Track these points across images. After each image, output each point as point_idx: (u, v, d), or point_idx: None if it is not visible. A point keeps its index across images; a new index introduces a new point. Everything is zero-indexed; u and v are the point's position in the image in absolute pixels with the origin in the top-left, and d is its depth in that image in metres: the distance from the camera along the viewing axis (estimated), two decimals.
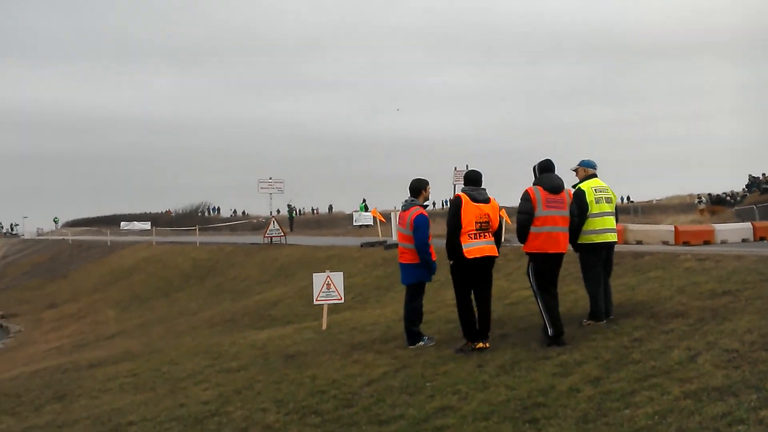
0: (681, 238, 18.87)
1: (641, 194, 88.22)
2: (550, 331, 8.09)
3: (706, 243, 18.96)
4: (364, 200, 49.14)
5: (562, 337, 8.02)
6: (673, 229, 19.62)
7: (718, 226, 20.61)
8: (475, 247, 8.23)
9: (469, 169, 9.00)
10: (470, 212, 8.26)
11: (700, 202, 40.25)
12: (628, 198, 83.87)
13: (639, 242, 18.92)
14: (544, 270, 8.25)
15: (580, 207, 8.60)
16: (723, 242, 19.42)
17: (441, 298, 12.52)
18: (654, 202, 75.10)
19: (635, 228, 20.57)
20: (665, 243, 18.64)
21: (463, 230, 8.24)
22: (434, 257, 9.00)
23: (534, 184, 8.33)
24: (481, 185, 8.53)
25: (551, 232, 8.16)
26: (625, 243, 18.85)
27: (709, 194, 40.21)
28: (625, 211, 62.32)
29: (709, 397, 5.39)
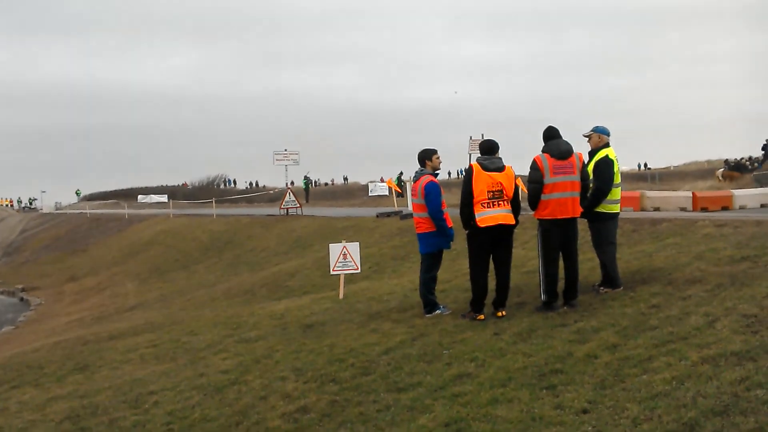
0: (699, 204, 18.71)
1: (658, 161, 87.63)
2: (543, 297, 8.37)
3: (725, 209, 18.79)
4: (401, 172, 48.40)
5: (554, 303, 8.28)
6: (690, 195, 19.45)
7: (736, 192, 20.39)
8: (487, 215, 8.23)
9: (485, 138, 8.96)
10: (482, 181, 8.25)
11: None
12: (645, 165, 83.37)
13: (656, 209, 18.79)
14: (555, 236, 8.30)
15: (608, 176, 8.57)
16: (741, 208, 19.23)
17: (457, 267, 12.53)
18: (671, 168, 74.59)
19: (653, 195, 20.42)
20: (683, 209, 18.50)
21: (475, 199, 8.26)
22: (450, 224, 9.00)
23: (542, 151, 8.33)
24: (496, 154, 8.50)
25: (560, 198, 8.18)
26: (643, 210, 18.74)
27: (726, 160, 39.76)
28: (642, 177, 61.98)
29: (727, 363, 5.39)
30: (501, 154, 8.60)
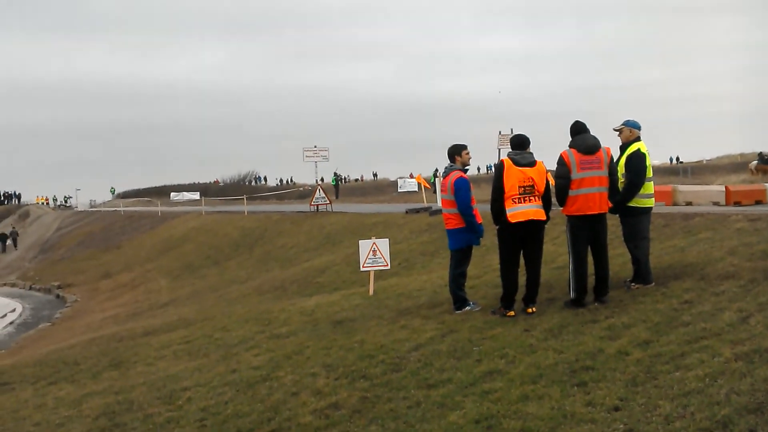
0: (732, 198, 18.46)
1: (690, 155, 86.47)
2: (572, 295, 8.32)
3: (758, 203, 18.51)
4: (436, 169, 47.69)
5: (583, 300, 8.24)
6: (723, 189, 19.19)
7: None
8: (519, 210, 8.21)
9: (515, 133, 8.94)
10: (513, 176, 8.23)
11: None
12: (678, 159, 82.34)
13: (689, 203, 18.58)
14: (583, 232, 8.26)
15: (640, 169, 8.52)
16: None
17: (487, 263, 12.51)
18: (704, 162, 73.60)
19: (685, 189, 20.19)
20: (716, 204, 18.26)
21: (506, 194, 8.23)
22: (480, 220, 8.99)
23: (569, 146, 8.29)
24: (527, 149, 8.47)
25: (588, 193, 8.14)
26: (675, 204, 18.53)
27: (760, 153, 39.15)
28: (674, 171, 61.23)
29: (761, 359, 5.34)
30: (532, 148, 8.57)
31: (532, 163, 8.35)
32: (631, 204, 8.62)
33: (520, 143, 8.52)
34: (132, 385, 8.77)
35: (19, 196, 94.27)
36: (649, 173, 8.68)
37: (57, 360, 12.06)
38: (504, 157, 8.59)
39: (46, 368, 11.33)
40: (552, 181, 8.64)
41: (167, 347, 11.01)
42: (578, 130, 8.39)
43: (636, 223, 8.73)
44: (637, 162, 8.55)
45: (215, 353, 9.78)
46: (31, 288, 37.90)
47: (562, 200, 8.33)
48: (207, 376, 8.39)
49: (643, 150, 8.64)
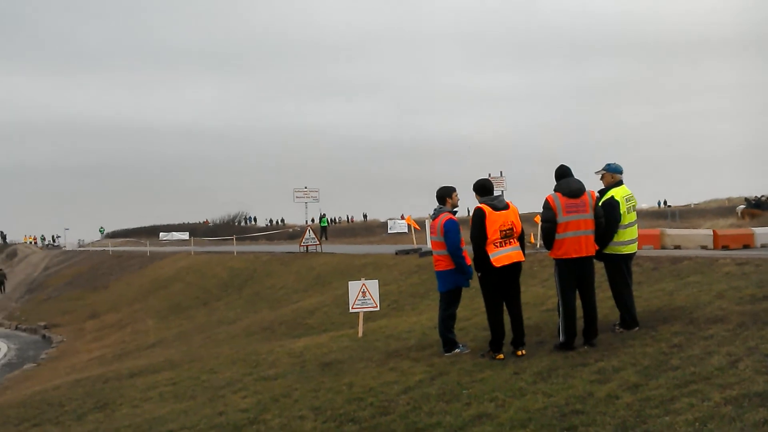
0: (720, 242, 18.58)
1: (678, 198, 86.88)
2: (561, 338, 8.32)
3: (746, 247, 18.64)
4: (434, 210, 47.77)
5: (573, 343, 8.23)
6: (711, 233, 19.32)
7: (757, 230, 20.22)
8: (503, 254, 8.26)
9: (482, 178, 8.85)
10: (494, 222, 8.28)
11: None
12: (665, 202, 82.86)
13: (677, 247, 18.67)
14: (571, 275, 8.29)
15: (612, 218, 8.54)
16: (763, 246, 19.07)
17: (476, 305, 12.48)
18: (692, 206, 74.18)
19: (673, 233, 20.32)
20: (704, 247, 18.36)
21: (488, 240, 8.26)
22: (469, 262, 9.01)
23: (554, 190, 8.36)
24: (493, 193, 8.57)
25: (574, 236, 8.18)
26: (663, 248, 18.63)
27: (747, 198, 39.52)
28: (662, 215, 61.61)
29: (750, 403, 5.32)
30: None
31: (506, 206, 8.42)
32: (607, 251, 8.66)
33: (488, 188, 8.59)
34: (117, 427, 8.65)
35: (5, 236, 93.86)
36: (624, 221, 8.64)
37: (41, 401, 11.90)
38: (479, 204, 8.54)
39: (30, 410, 11.18)
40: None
41: (153, 389, 10.90)
42: (563, 174, 8.47)
43: (613, 269, 8.77)
44: (608, 210, 8.54)
45: (202, 395, 9.68)
46: (17, 328, 37.49)
47: (549, 244, 8.37)
48: (193, 418, 8.30)
49: (617, 197, 8.63)
